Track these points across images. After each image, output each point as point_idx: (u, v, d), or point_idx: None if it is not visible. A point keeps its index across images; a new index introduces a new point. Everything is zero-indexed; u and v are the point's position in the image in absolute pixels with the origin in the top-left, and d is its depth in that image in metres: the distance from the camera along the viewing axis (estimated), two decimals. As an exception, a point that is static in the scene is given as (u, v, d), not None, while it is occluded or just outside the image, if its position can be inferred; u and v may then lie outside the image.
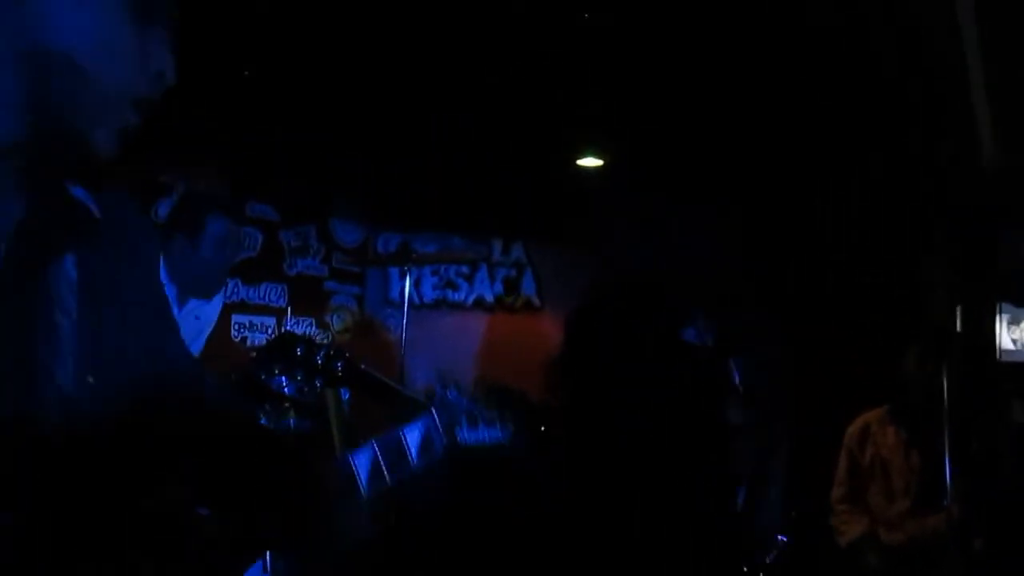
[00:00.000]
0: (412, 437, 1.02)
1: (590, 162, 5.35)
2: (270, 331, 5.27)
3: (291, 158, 5.03)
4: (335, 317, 5.72)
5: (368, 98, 4.44)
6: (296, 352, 2.68)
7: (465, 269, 6.21)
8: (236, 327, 5.09)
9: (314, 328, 5.51)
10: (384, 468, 0.99)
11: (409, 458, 1.02)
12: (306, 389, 2.78)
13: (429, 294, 6.13)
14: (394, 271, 5.74)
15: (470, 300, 6.20)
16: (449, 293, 6.18)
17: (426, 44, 3.86)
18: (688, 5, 3.46)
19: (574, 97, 4.39)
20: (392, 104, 4.51)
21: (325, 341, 3.42)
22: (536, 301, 6.26)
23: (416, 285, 6.00)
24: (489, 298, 6.23)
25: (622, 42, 3.77)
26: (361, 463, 0.98)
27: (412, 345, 4.25)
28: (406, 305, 4.21)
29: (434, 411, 1.07)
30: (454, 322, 6.09)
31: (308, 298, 5.54)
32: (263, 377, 2.68)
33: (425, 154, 5.15)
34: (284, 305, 5.41)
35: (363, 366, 2.93)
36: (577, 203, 5.54)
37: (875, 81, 3.86)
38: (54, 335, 0.89)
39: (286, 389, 2.80)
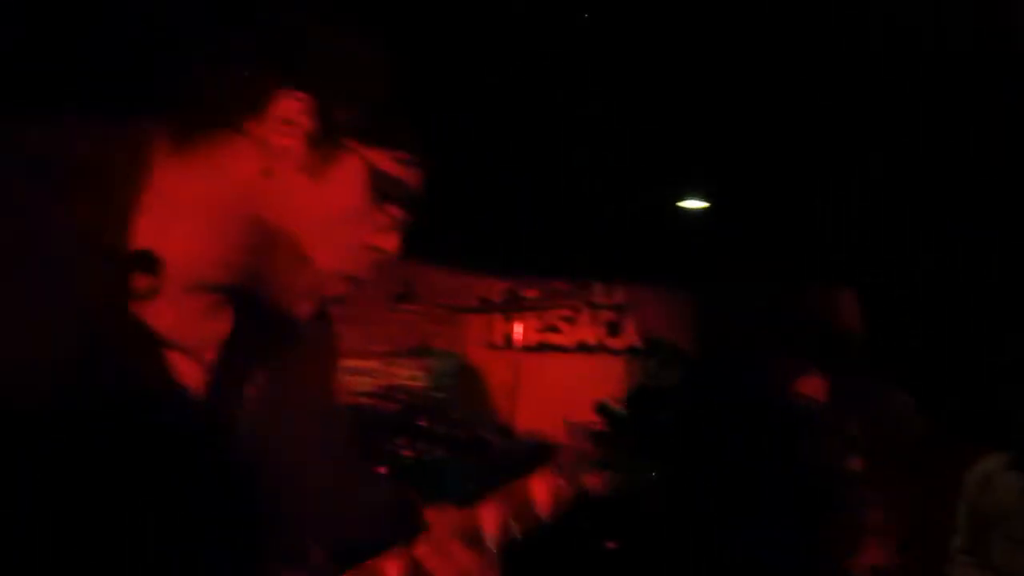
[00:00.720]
0: (538, 488, 1.01)
1: (693, 203, 5.30)
2: (373, 374, 5.37)
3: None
4: (438, 362, 5.79)
5: (468, 142, 4.51)
6: (421, 422, 2.72)
7: (567, 313, 6.21)
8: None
9: (417, 372, 5.59)
10: (512, 521, 0.99)
11: (536, 509, 1.01)
12: (427, 458, 2.83)
13: (532, 338, 6.15)
14: (496, 315, 5.80)
15: (573, 344, 6.18)
16: (552, 337, 6.18)
17: (528, 82, 3.90)
18: (806, 48, 3.40)
19: (678, 136, 4.36)
20: (493, 145, 4.58)
21: (451, 409, 3.44)
22: (640, 345, 6.20)
23: (516, 330, 6.04)
24: (592, 342, 6.21)
25: (733, 78, 3.74)
26: (487, 518, 0.98)
27: (518, 390, 4.25)
28: (515, 350, 4.22)
29: (558, 459, 1.06)
30: (558, 366, 6.08)
31: (411, 342, 5.62)
32: (386, 442, 2.74)
33: (527, 197, 5.20)
34: (388, 349, 5.51)
35: (483, 433, 2.96)
36: (680, 245, 5.48)
37: None
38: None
39: (405, 454, 2.85)
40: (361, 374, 5.27)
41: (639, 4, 3.17)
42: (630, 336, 6.24)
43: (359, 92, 0.93)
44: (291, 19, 0.93)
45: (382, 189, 0.94)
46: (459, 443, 2.91)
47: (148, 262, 0.87)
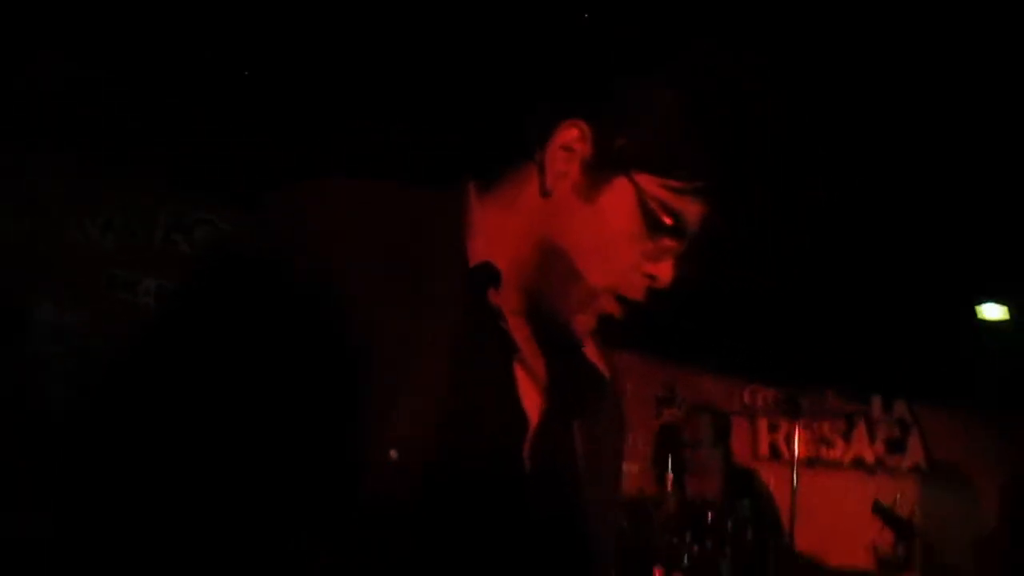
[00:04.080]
0: None
1: (993, 312, 4.81)
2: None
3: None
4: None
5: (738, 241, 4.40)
6: (706, 518, 2.63)
7: (841, 425, 5.79)
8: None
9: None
10: None
11: None
12: (711, 557, 2.72)
13: (801, 451, 5.78)
14: (761, 425, 5.53)
15: (848, 460, 5.74)
16: (824, 450, 5.77)
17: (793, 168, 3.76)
18: None
19: (974, 235, 4.01)
20: (765, 244, 4.43)
21: (740, 512, 3.32)
22: (924, 465, 5.65)
23: (785, 440, 5.71)
24: (870, 459, 5.73)
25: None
26: None
27: (796, 507, 3.98)
28: (795, 463, 3.96)
29: None
30: (831, 483, 5.65)
31: (674, 450, 5.46)
32: (668, 539, 2.66)
33: (801, 297, 4.96)
34: (649, 454, 5.39)
35: (767, 536, 2.80)
36: (975, 357, 4.98)
37: None
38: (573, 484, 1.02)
39: (686, 556, 2.75)
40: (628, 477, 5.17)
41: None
42: (915, 455, 5.71)
43: (638, 121, 0.96)
44: (584, 55, 1.01)
45: (654, 216, 0.96)
46: (744, 545, 2.75)
47: (493, 273, 0.97)
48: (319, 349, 0.85)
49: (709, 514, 2.67)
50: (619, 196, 0.96)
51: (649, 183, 0.96)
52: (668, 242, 0.99)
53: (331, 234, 0.89)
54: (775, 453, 5.75)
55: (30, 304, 3.71)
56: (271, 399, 0.84)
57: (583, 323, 1.01)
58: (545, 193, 0.98)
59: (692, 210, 0.98)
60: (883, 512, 4.89)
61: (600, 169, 0.96)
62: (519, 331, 1.01)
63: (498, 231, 0.99)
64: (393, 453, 0.83)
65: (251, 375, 0.85)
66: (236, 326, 0.86)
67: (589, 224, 0.97)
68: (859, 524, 5.47)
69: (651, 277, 1.00)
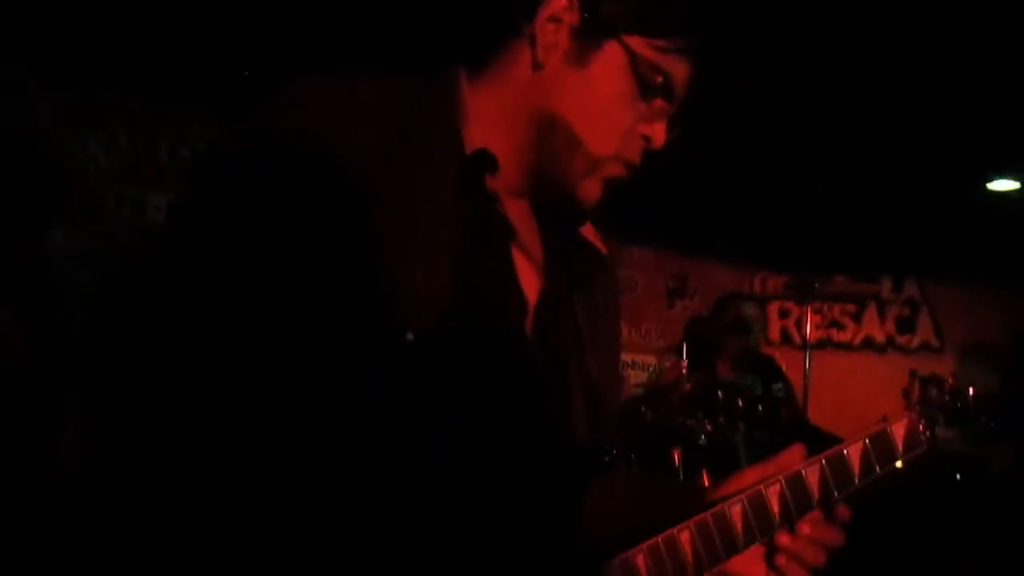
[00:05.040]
0: (897, 430, 1.02)
1: (1003, 185, 4.77)
2: (650, 370, 5.35)
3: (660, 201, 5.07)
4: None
5: (744, 127, 4.34)
6: (717, 397, 2.70)
7: (851, 307, 5.84)
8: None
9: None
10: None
11: (895, 449, 1.02)
12: (726, 434, 2.80)
13: (813, 335, 5.85)
14: (772, 311, 5.58)
15: (859, 342, 5.81)
16: (835, 332, 5.84)
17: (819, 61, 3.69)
18: None
19: (984, 108, 3.95)
20: (771, 128, 4.37)
21: (746, 384, 3.39)
22: (935, 342, 5.72)
23: (796, 325, 5.78)
24: (880, 339, 5.80)
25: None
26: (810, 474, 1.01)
27: (808, 390, 4.05)
28: (807, 346, 4.01)
29: (917, 402, 1.06)
30: (843, 364, 5.74)
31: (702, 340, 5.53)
32: (682, 420, 2.73)
33: (809, 180, 4.93)
34: (663, 345, 5.47)
35: (784, 410, 2.88)
36: (986, 232, 4.97)
37: None
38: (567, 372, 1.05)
39: (702, 435, 2.83)
40: (639, 368, 5.27)
41: None
42: (924, 334, 5.77)
43: None
44: None
45: (645, 76, 0.99)
46: (758, 417, 2.83)
47: (489, 160, 0.98)
48: (332, 241, 0.88)
49: (720, 393, 2.73)
50: (610, 60, 0.98)
51: (638, 44, 0.98)
52: (660, 103, 1.01)
53: (329, 134, 0.90)
54: (786, 338, 5.82)
55: (41, 227, 3.74)
56: (298, 294, 0.87)
57: (590, 190, 1.03)
58: (537, 66, 0.99)
59: (679, 70, 1.00)
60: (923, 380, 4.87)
61: (590, 35, 0.98)
62: (517, 213, 1.03)
63: (493, 114, 1.01)
64: (409, 335, 0.87)
65: (279, 265, 0.87)
66: (257, 222, 0.88)
67: (584, 90, 0.99)
68: (870, 402, 5.57)
69: (647, 139, 1.02)
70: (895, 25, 3.40)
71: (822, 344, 5.84)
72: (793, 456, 1.01)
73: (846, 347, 5.85)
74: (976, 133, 4.18)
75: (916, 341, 5.78)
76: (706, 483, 3.10)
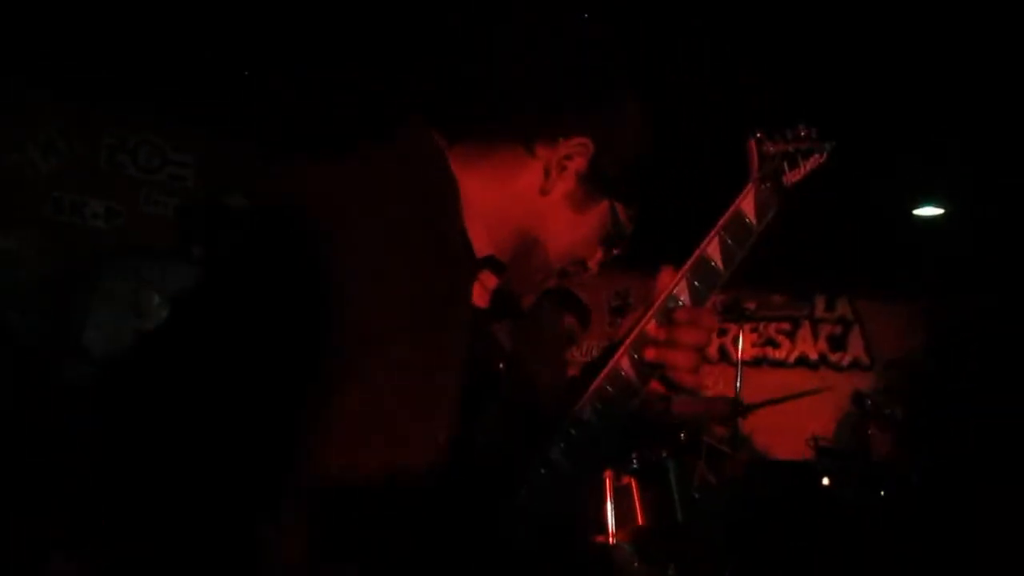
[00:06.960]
0: (746, 202, 1.13)
1: (928, 211, 4.96)
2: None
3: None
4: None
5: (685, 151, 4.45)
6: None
7: (786, 326, 6.00)
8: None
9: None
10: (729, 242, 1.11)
11: (748, 219, 1.13)
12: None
13: (748, 352, 5.99)
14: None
15: (793, 359, 5.96)
16: (770, 350, 5.98)
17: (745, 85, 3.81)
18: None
19: (911, 139, 4.11)
20: (707, 151, 4.49)
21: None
22: (865, 359, 5.89)
23: (732, 342, 5.90)
24: (813, 356, 5.96)
25: (980, 77, 3.50)
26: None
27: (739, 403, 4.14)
28: (739, 363, 4.11)
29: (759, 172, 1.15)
30: (777, 381, 5.87)
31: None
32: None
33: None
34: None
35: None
36: (912, 254, 5.16)
37: None
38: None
39: (633, 459, 2.92)
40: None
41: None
42: (855, 351, 5.94)
43: (628, 156, 1.11)
44: (604, 74, 1.11)
45: (612, 235, 1.13)
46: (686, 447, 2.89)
47: (496, 266, 1.10)
48: (339, 313, 0.93)
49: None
50: (602, 215, 1.12)
51: (622, 212, 1.13)
52: (613, 252, 1.17)
53: (337, 221, 0.94)
54: (724, 355, 5.95)
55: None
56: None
57: (528, 301, 1.17)
58: (543, 192, 1.09)
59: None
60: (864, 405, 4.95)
61: (592, 186, 1.10)
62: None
63: (483, 209, 1.08)
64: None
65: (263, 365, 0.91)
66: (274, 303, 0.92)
67: (572, 231, 1.11)
68: (803, 418, 5.70)
69: (584, 263, 1.17)
70: (829, 52, 3.53)
71: (758, 361, 5.98)
72: (664, 279, 1.11)
73: (781, 364, 5.99)
74: (903, 162, 4.35)
75: (847, 359, 5.94)
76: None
